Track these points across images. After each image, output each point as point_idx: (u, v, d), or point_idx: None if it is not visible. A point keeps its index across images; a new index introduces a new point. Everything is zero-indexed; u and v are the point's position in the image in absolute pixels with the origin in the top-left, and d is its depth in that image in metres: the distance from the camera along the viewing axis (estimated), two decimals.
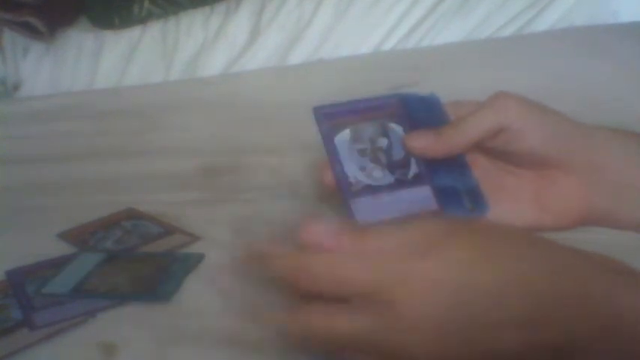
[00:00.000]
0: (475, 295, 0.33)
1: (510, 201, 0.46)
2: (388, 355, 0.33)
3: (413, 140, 0.43)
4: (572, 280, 0.34)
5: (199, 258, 0.52)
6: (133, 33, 1.10)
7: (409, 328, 0.33)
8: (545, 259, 0.35)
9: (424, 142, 0.42)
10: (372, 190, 0.43)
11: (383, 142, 0.44)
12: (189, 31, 1.09)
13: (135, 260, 0.52)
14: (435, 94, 0.45)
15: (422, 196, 0.44)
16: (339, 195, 0.43)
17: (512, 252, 0.35)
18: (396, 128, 0.44)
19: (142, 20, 1.10)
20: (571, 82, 0.82)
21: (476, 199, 0.44)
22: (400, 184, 0.43)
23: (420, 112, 0.44)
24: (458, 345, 0.33)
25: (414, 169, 0.44)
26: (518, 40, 1.00)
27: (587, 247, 0.36)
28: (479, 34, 1.02)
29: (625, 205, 0.45)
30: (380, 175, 0.43)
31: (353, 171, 0.43)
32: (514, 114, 0.42)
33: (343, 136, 0.44)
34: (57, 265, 0.52)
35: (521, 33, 1.01)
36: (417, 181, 0.44)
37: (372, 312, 0.33)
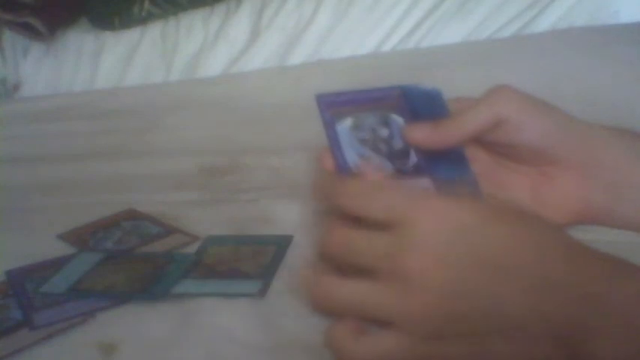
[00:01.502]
0: (484, 238, 0.35)
1: (508, 196, 0.46)
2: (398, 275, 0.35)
3: (412, 131, 0.43)
4: (585, 265, 0.34)
5: (196, 259, 0.52)
6: (132, 34, 1.10)
7: (419, 248, 0.35)
8: (563, 240, 0.36)
9: (422, 134, 0.43)
10: None
11: (384, 131, 0.44)
12: (189, 31, 1.09)
13: (132, 260, 0.52)
14: (438, 89, 0.45)
15: (421, 186, 0.44)
16: None
17: (532, 223, 0.36)
18: (397, 119, 0.44)
19: (142, 21, 1.10)
20: (571, 82, 0.81)
21: (472, 191, 0.44)
22: (400, 174, 0.44)
23: (422, 105, 0.44)
24: (462, 280, 0.34)
25: (413, 160, 0.44)
26: (518, 41, 1.00)
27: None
28: (479, 34, 1.02)
29: (624, 204, 0.45)
30: (379, 164, 0.44)
31: (353, 159, 0.44)
32: (513, 106, 0.43)
33: (345, 124, 0.44)
34: (57, 265, 0.52)
35: (521, 33, 1.01)
36: (416, 172, 0.44)
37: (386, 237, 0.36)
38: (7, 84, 1.10)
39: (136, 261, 0.52)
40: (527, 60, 0.92)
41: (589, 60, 0.89)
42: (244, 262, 0.50)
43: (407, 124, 0.44)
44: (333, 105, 0.44)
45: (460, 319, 0.34)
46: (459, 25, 1.03)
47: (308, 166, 0.65)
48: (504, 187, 0.46)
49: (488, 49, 0.99)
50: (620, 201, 0.44)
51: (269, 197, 0.62)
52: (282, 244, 0.53)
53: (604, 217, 0.45)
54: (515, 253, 0.35)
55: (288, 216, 0.58)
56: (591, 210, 0.45)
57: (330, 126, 0.43)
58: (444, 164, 0.44)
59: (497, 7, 1.02)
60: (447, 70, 0.91)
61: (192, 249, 0.54)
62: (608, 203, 0.44)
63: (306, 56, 1.04)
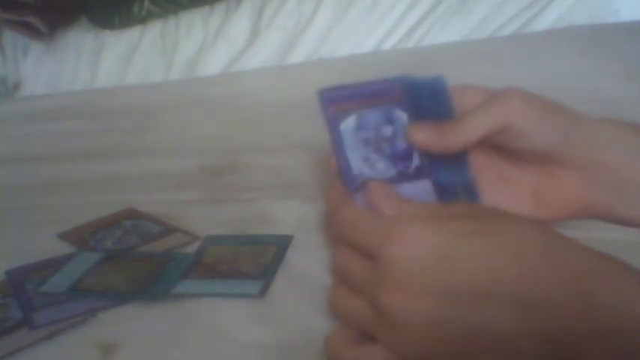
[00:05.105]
0: (462, 262, 0.35)
1: (509, 191, 0.46)
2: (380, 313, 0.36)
3: (414, 132, 0.43)
4: (573, 272, 0.34)
5: (196, 258, 0.52)
6: (132, 33, 1.10)
7: (394, 282, 0.36)
8: (546, 246, 0.35)
9: (425, 136, 0.43)
10: None
11: (387, 130, 0.44)
12: (189, 30, 1.09)
13: (132, 260, 0.52)
14: (442, 78, 0.44)
15: (422, 190, 0.44)
16: (342, 185, 0.44)
17: (511, 234, 0.36)
18: (401, 115, 0.44)
19: (142, 20, 1.10)
20: (571, 81, 0.81)
21: (470, 196, 0.44)
22: (402, 176, 0.44)
23: (425, 99, 0.44)
24: (443, 308, 0.34)
25: (416, 161, 0.44)
26: (518, 40, 1.00)
27: (588, 245, 0.36)
28: (479, 33, 1.02)
29: (625, 202, 0.45)
30: (382, 167, 0.43)
31: (357, 162, 0.43)
32: (518, 113, 0.42)
33: (348, 124, 0.43)
34: (57, 264, 0.52)
35: (521, 32, 1.01)
36: (418, 174, 0.44)
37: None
38: (7, 83, 1.10)
39: (135, 260, 0.52)
40: (527, 58, 0.92)
41: (589, 58, 0.89)
42: (244, 262, 0.50)
43: (410, 123, 0.43)
44: (336, 101, 0.43)
45: (446, 342, 0.34)
46: (459, 24, 1.03)
47: (308, 165, 0.66)
48: (506, 182, 0.46)
49: (489, 48, 0.99)
50: (621, 199, 0.44)
51: (269, 197, 0.62)
52: (282, 244, 0.53)
53: (604, 214, 0.45)
54: (494, 271, 0.35)
55: (288, 216, 0.57)
56: (592, 209, 0.45)
57: (333, 127, 0.43)
58: (445, 168, 0.43)
59: (497, 5, 1.02)
60: (448, 68, 0.90)
61: (192, 249, 0.54)
62: (608, 202, 0.44)
63: (306, 55, 1.04)
